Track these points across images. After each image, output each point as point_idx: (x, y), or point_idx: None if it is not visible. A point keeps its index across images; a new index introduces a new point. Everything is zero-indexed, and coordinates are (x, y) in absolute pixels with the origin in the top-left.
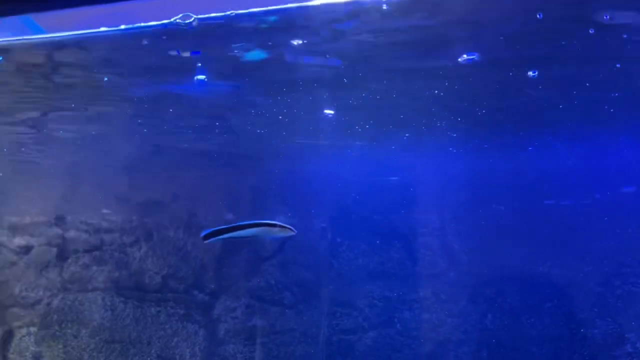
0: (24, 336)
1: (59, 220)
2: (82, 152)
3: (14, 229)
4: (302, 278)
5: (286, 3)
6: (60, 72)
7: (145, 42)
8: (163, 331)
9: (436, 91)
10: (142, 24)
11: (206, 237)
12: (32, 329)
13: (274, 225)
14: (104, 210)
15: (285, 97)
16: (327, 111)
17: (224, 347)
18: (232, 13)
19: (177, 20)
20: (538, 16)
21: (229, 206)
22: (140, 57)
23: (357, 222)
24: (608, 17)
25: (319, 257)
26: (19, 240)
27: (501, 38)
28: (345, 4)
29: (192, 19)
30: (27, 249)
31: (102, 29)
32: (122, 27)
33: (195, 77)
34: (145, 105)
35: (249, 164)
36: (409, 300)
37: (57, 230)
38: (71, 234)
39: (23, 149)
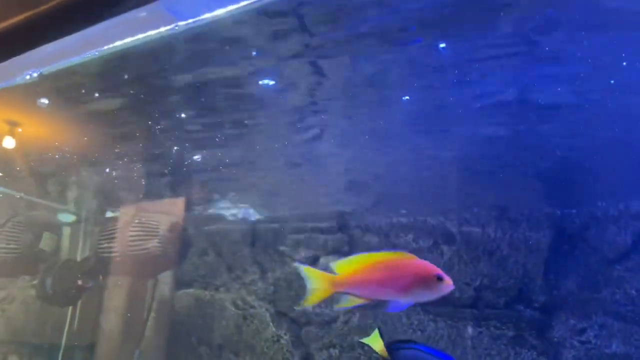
0: None
1: (343, 226)
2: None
3: (297, 238)
4: None
5: None
6: None
7: None
8: (489, 358)
9: None
10: None
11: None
12: (333, 352)
13: None
14: (393, 211)
15: None
16: None
17: None
18: None
19: None
20: None
21: (546, 195)
22: None
23: None
24: None
25: None
26: (304, 250)
27: None
28: None
29: None
30: (313, 260)
31: None
32: None
33: None
34: None
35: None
36: None
37: (343, 237)
38: (358, 240)
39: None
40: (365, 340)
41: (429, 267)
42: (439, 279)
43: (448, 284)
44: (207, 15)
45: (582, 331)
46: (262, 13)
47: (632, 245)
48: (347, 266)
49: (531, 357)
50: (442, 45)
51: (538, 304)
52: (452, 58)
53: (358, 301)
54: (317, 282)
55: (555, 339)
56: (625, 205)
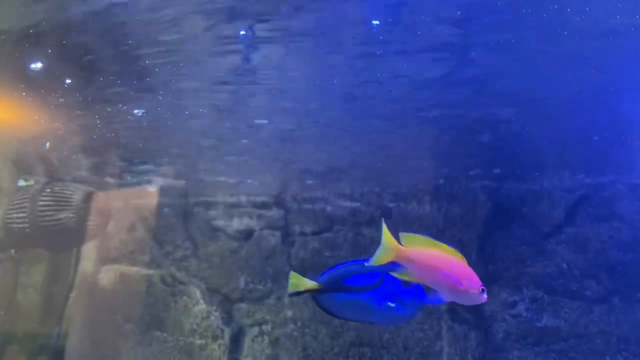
0: (256, 336)
1: (280, 199)
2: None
3: (231, 212)
4: (612, 260)
5: None
6: None
7: None
8: (422, 332)
9: None
10: None
11: None
12: (265, 328)
13: None
14: (331, 184)
15: None
16: None
17: (504, 354)
18: None
19: None
20: None
21: (482, 166)
22: None
23: None
24: None
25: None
26: (238, 224)
27: None
28: None
29: None
30: (247, 234)
31: None
32: None
33: None
34: None
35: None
36: None
37: (279, 211)
38: (295, 214)
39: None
40: (290, 289)
41: (476, 278)
42: (482, 290)
43: (484, 298)
44: None
45: (514, 305)
46: None
47: (565, 219)
48: (412, 241)
49: (463, 331)
50: None
51: None
52: None
53: (408, 277)
54: (388, 244)
55: (487, 313)
56: (559, 178)
